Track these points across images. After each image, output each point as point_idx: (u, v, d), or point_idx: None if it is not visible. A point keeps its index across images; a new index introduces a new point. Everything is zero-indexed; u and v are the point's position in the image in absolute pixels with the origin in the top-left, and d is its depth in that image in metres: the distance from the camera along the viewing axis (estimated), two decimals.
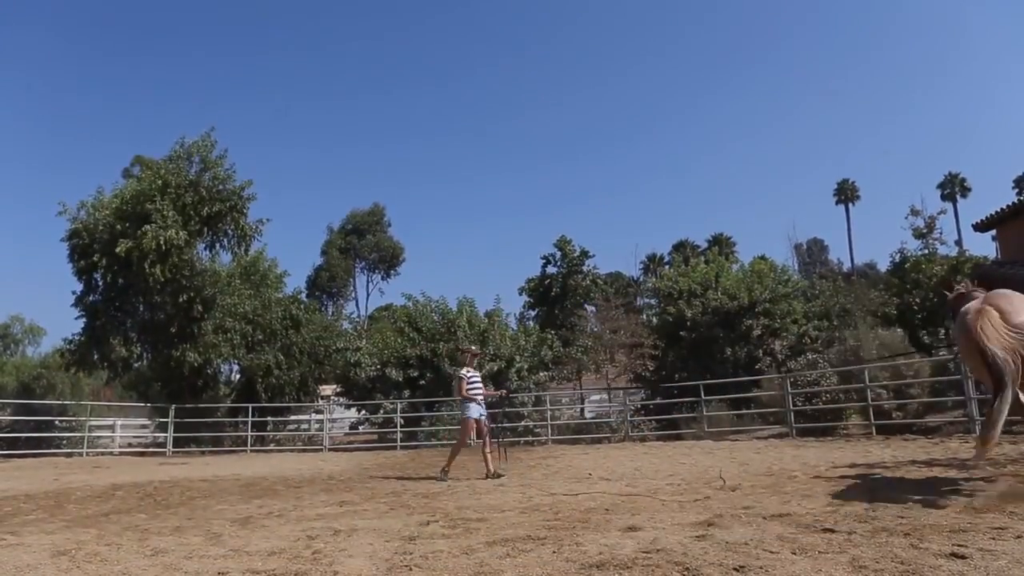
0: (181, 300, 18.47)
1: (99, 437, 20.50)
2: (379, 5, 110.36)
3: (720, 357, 21.07)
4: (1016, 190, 58.78)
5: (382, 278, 66.39)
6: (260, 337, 20.85)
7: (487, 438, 9.20)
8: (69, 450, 18.37)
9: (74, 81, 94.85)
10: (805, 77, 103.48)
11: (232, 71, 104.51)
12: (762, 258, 26.89)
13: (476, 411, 9.21)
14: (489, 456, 9.01)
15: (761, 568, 3.22)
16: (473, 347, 11.34)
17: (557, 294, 34.65)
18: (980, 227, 19.35)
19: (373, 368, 20.77)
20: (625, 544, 3.95)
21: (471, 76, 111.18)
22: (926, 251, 25.48)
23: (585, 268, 35.76)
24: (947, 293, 7.64)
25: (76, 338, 19.20)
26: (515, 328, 23.53)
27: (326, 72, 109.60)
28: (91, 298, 19.10)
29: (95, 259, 18.02)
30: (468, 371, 9.45)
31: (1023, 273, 16.20)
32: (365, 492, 7.70)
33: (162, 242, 17.33)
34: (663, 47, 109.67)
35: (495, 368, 19.52)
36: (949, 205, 58.08)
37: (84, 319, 19.18)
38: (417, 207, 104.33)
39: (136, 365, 20.55)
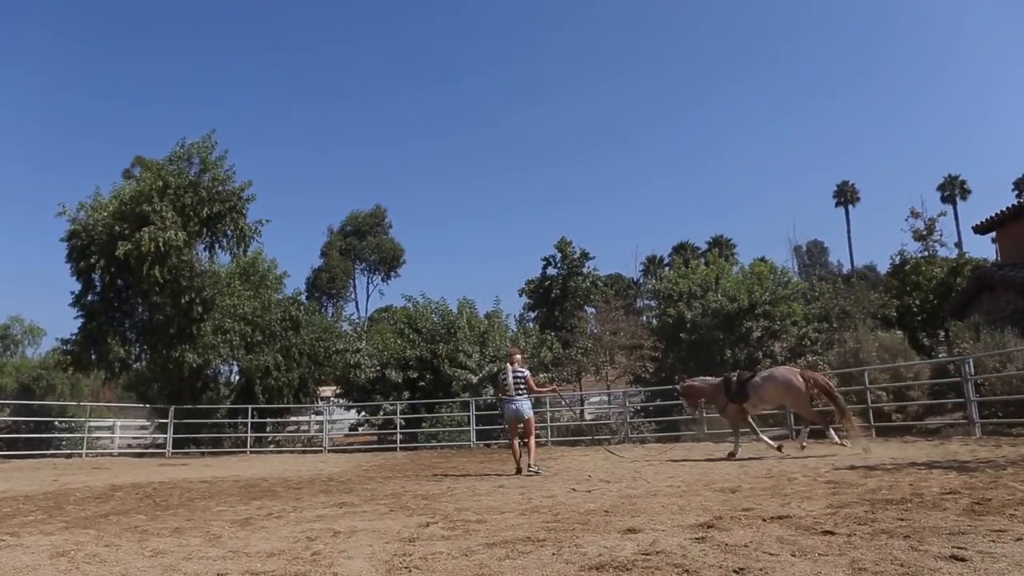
0: (182, 301, 18.47)
1: (98, 438, 20.51)
2: (380, 6, 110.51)
3: (720, 359, 21.06)
4: (1016, 192, 58.75)
5: (382, 279, 66.44)
6: (259, 338, 20.85)
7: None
8: (68, 451, 18.39)
9: (74, 81, 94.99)
10: (805, 79, 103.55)
11: (233, 72, 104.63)
12: (762, 260, 26.90)
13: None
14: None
15: (761, 570, 3.22)
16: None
17: (557, 295, 34.63)
18: (980, 229, 19.36)
19: (373, 369, 20.77)
20: (624, 546, 3.94)
21: (472, 77, 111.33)
22: (926, 253, 25.56)
23: (585, 270, 35.76)
24: (677, 387, 11.54)
25: (73, 338, 19.20)
26: (515, 329, 23.53)
27: (327, 73, 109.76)
28: (89, 298, 19.10)
29: (93, 260, 18.02)
30: None
31: (1023, 276, 16.20)
32: (365, 494, 7.69)
33: (161, 244, 17.33)
34: (664, 48, 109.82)
35: (494, 369, 19.52)
36: (949, 207, 58.12)
37: (83, 319, 19.18)
38: (418, 209, 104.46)
39: (135, 366, 20.54)
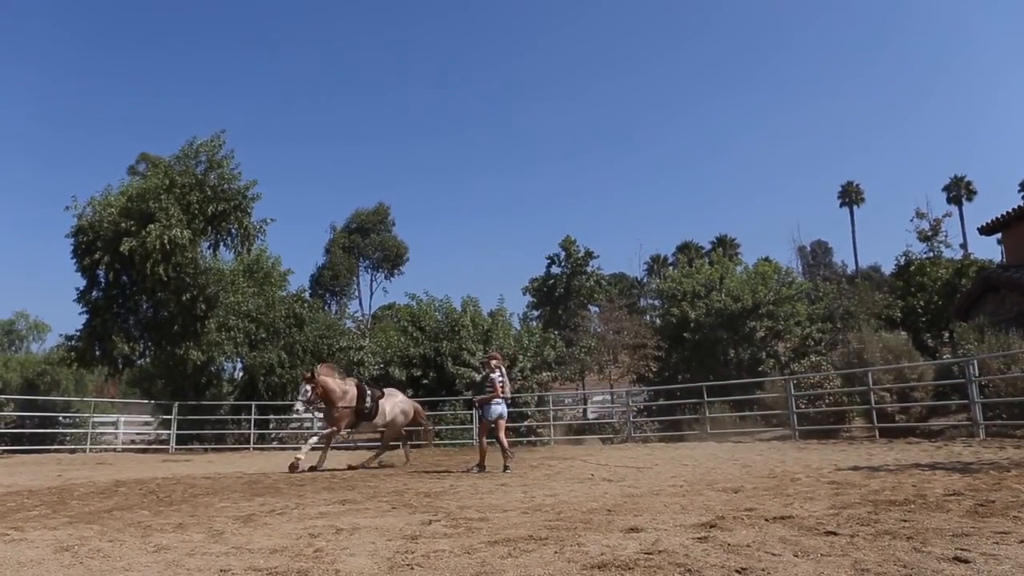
0: (185, 298, 18.51)
1: (102, 434, 20.59)
2: (383, 5, 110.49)
3: (723, 359, 21.07)
4: (1022, 193, 58.60)
5: (386, 277, 66.45)
6: (263, 335, 20.89)
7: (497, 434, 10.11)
8: (72, 446, 18.46)
9: (78, 78, 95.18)
10: (810, 79, 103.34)
11: (237, 69, 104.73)
12: (766, 260, 26.92)
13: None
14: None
15: (763, 570, 3.21)
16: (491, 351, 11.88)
17: (561, 294, 34.67)
18: (985, 230, 19.28)
19: (376, 367, 20.79)
20: (627, 545, 3.94)
21: (476, 75, 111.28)
22: (931, 254, 25.49)
23: (589, 269, 35.77)
24: (310, 373, 10.95)
25: (77, 334, 19.27)
26: (518, 328, 23.53)
27: (330, 71, 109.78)
28: (94, 295, 19.16)
29: (98, 256, 18.08)
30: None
31: None
32: (367, 491, 7.70)
33: (166, 241, 17.38)
34: (668, 47, 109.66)
35: None
36: (955, 208, 57.89)
37: (87, 315, 19.25)
38: (421, 206, 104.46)
39: (139, 362, 20.60)
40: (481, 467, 9.81)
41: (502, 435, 9.93)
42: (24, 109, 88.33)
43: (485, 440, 10.19)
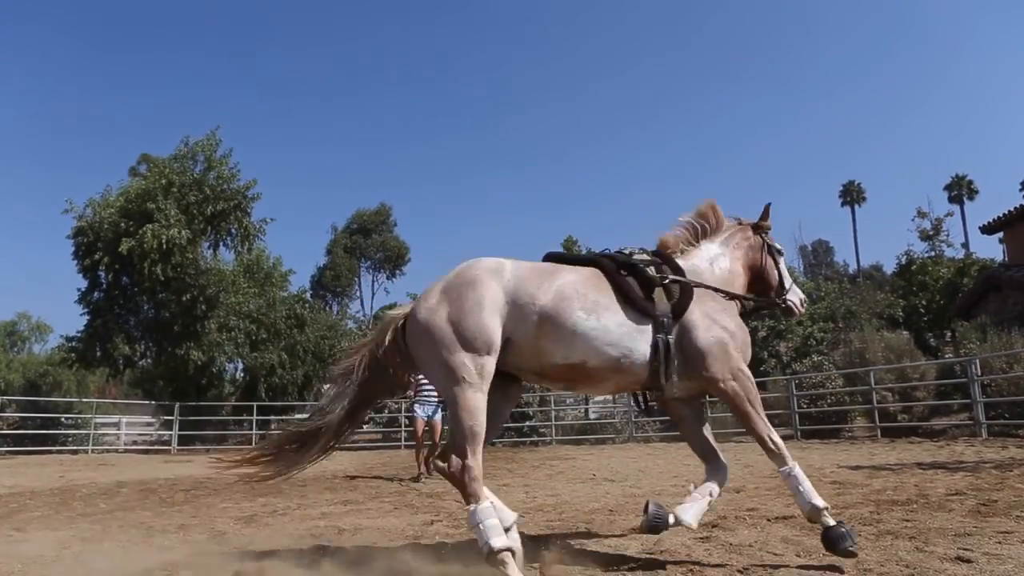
0: (185, 299, 18.53)
1: (104, 434, 20.59)
2: (384, 5, 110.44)
3: None
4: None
5: (387, 277, 66.40)
6: (264, 336, 20.90)
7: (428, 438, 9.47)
8: (75, 447, 18.46)
9: (79, 79, 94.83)
10: (812, 78, 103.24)
11: (238, 70, 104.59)
12: None
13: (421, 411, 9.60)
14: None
15: (765, 570, 3.21)
16: None
17: None
18: (987, 229, 19.28)
19: None
20: (629, 545, 3.94)
21: (477, 75, 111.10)
22: (932, 253, 25.44)
23: None
24: None
25: (79, 335, 19.29)
26: None
27: (331, 71, 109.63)
28: (95, 295, 19.19)
29: (99, 257, 18.10)
30: None
31: None
32: (369, 491, 7.71)
33: (163, 241, 17.39)
34: (669, 47, 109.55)
35: None
36: (956, 207, 57.70)
37: (88, 316, 19.28)
38: (423, 207, 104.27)
39: (140, 363, 20.62)
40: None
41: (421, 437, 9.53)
42: (26, 110, 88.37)
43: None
